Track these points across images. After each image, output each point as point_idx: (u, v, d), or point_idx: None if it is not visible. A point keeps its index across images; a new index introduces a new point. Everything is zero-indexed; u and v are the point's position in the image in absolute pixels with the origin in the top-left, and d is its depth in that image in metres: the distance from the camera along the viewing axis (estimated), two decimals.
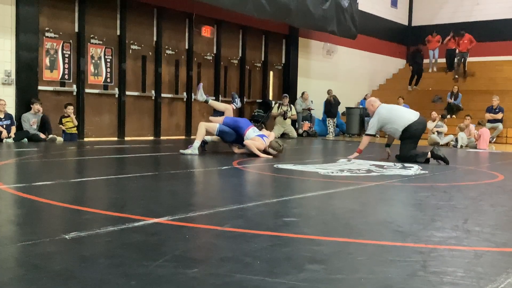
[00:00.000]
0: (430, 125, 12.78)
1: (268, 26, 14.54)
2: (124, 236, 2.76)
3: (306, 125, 14.95)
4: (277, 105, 14.50)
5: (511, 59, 18.13)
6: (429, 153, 7.46)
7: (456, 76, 18.09)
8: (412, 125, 7.54)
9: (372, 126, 7.85)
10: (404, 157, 7.58)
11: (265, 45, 15.14)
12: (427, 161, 7.46)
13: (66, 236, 2.69)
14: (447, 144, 12.32)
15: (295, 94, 15.58)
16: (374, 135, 7.86)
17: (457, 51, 18.03)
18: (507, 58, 18.28)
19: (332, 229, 3.19)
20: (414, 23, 20.91)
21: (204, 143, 7.98)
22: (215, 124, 7.91)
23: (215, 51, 13.70)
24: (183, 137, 12.92)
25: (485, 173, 6.81)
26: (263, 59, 15.17)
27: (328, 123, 15.25)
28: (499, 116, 14.10)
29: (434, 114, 13.20)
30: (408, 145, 7.61)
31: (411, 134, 7.58)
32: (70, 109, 10.20)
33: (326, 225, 3.32)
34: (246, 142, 7.71)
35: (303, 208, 3.89)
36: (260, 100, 15.10)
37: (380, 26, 19.25)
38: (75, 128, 10.35)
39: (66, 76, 10.65)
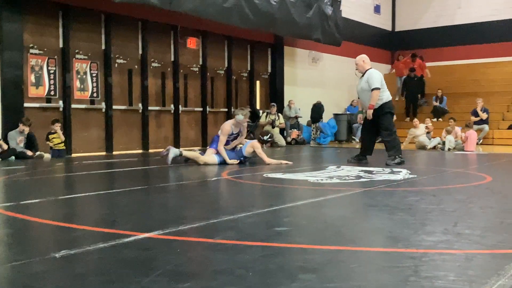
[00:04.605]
0: (414, 131, 12.96)
1: (253, 35, 14.59)
2: (115, 253, 2.74)
3: (294, 133, 14.97)
4: (265, 114, 14.54)
5: (495, 61, 18.32)
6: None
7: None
8: (391, 101, 8.25)
9: (377, 80, 7.96)
10: (386, 130, 8.04)
11: (251, 55, 15.18)
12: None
13: (56, 255, 2.66)
14: (434, 147, 12.39)
15: (282, 103, 15.61)
16: (379, 89, 7.92)
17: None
18: (491, 60, 18.48)
19: (323, 237, 3.19)
20: (397, 28, 21.08)
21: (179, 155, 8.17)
22: (212, 156, 8.08)
23: (201, 62, 13.71)
24: None
25: (473, 175, 6.87)
26: (249, 68, 15.21)
27: (313, 129, 15.20)
28: (484, 116, 14.21)
29: (416, 121, 13.34)
30: (389, 119, 8.12)
31: (390, 108, 8.15)
32: (57, 126, 10.13)
33: (317, 233, 3.33)
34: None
35: (294, 217, 3.90)
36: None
37: (364, 32, 19.38)
38: (63, 144, 10.28)
39: (52, 92, 10.59)
